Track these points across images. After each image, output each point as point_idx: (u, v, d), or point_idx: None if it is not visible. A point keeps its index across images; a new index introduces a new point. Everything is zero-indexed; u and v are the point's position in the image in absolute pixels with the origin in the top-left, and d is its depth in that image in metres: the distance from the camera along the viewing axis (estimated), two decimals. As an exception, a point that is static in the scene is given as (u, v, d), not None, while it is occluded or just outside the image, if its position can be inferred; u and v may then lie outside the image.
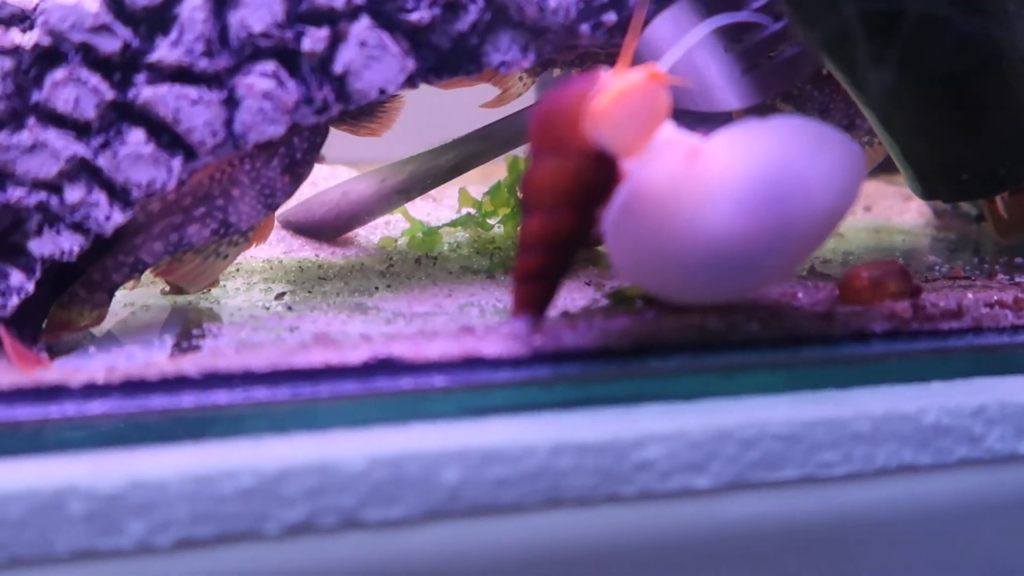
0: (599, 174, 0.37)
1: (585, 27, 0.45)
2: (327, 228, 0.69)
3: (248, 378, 0.35)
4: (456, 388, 0.36)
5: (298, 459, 0.32)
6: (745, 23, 0.47)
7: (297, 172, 0.50)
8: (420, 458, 0.33)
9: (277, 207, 0.50)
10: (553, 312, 0.47)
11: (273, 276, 0.63)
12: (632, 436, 0.34)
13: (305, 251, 0.71)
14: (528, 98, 0.79)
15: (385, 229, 0.77)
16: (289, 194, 0.51)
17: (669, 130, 0.37)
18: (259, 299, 0.57)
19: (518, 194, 0.68)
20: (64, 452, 0.32)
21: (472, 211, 0.68)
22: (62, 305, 0.47)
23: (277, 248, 0.67)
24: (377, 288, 0.59)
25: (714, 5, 0.46)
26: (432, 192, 0.69)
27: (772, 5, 0.45)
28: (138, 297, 0.55)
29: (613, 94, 0.36)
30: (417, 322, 0.49)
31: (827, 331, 0.39)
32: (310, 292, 0.59)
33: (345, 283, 0.61)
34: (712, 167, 0.36)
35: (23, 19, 0.41)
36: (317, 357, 0.36)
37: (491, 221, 0.67)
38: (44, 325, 0.45)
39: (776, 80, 0.47)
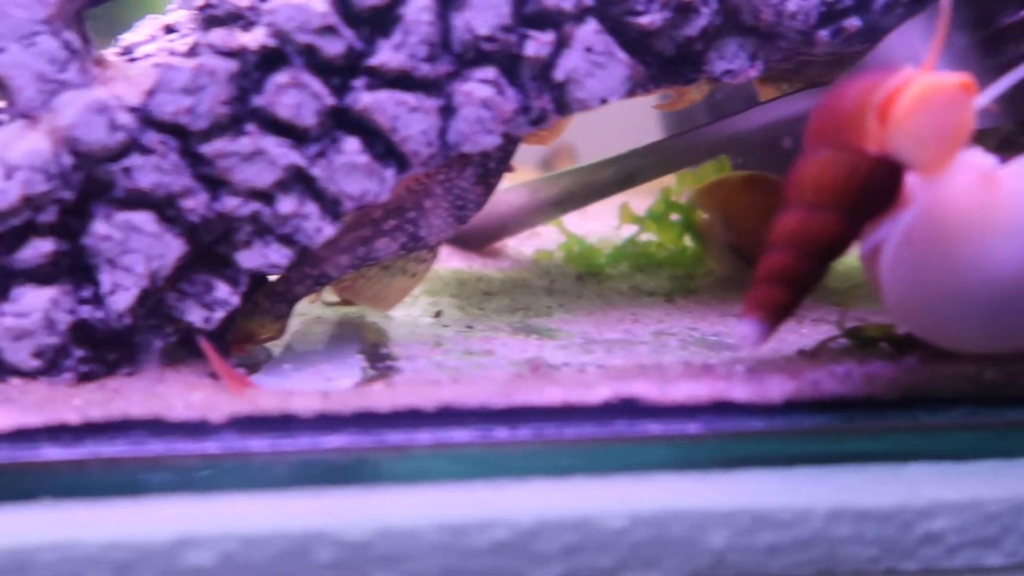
0: (877, 178, 0.32)
1: (824, 33, 0.41)
2: (474, 237, 0.67)
3: (485, 415, 0.32)
4: (708, 435, 0.33)
5: (553, 512, 0.29)
6: (1001, 38, 0.42)
7: (490, 182, 0.47)
8: (684, 517, 0.29)
9: (467, 220, 0.48)
10: (787, 348, 0.43)
11: (433, 288, 0.60)
12: (920, 504, 0.30)
13: (455, 261, 0.68)
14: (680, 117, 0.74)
15: (536, 241, 0.75)
16: (480, 206, 0.48)
17: (968, 151, 0.33)
18: (427, 312, 0.55)
19: (696, 224, 0.64)
20: (304, 489, 0.30)
21: (634, 228, 0.65)
22: (245, 315, 0.45)
23: (427, 257, 0.65)
24: (550, 307, 0.56)
25: (960, 19, 0.42)
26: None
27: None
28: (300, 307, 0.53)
29: (919, 95, 0.32)
30: (617, 351, 0.46)
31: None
32: (480, 309, 0.56)
33: (512, 299, 0.59)
34: (1012, 196, 0.32)
35: (238, 18, 0.39)
36: (554, 394, 0.33)
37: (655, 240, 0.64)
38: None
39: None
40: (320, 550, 0.28)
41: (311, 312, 0.52)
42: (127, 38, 0.43)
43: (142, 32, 0.43)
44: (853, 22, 0.41)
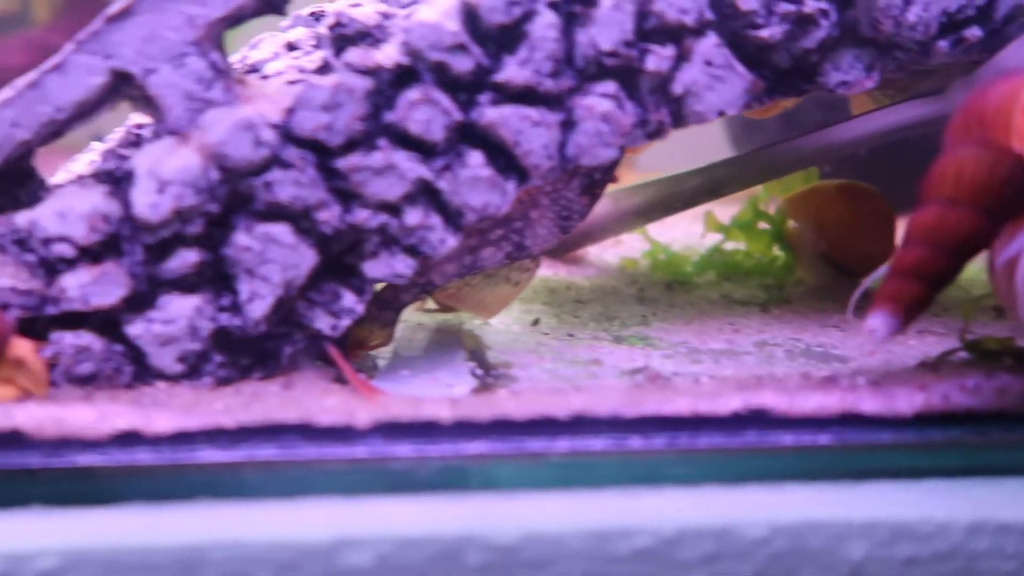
0: (1017, 177, 0.33)
1: (944, 44, 0.41)
2: (558, 244, 0.68)
3: (618, 424, 0.33)
4: (839, 447, 0.33)
5: (693, 520, 0.30)
6: None
7: (595, 193, 0.48)
8: (823, 528, 0.30)
9: (570, 230, 0.49)
10: (898, 360, 0.43)
11: (524, 296, 0.61)
12: (1060, 518, 0.30)
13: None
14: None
15: (617, 248, 0.75)
16: (584, 216, 0.48)
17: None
18: (521, 320, 0.56)
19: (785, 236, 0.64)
20: (450, 494, 0.31)
21: (718, 237, 0.65)
22: (356, 322, 0.47)
23: (512, 264, 0.66)
24: (644, 316, 0.57)
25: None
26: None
27: None
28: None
29: None
30: (725, 362, 0.46)
31: None
32: (576, 317, 0.57)
33: (604, 308, 0.59)
34: None
35: (366, 36, 0.40)
36: (683, 404, 0.33)
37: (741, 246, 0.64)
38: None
39: None
40: (471, 553, 0.29)
41: (411, 319, 0.54)
42: (252, 56, 0.45)
43: (265, 50, 0.45)
44: (974, 32, 0.41)
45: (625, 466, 0.32)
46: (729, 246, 0.66)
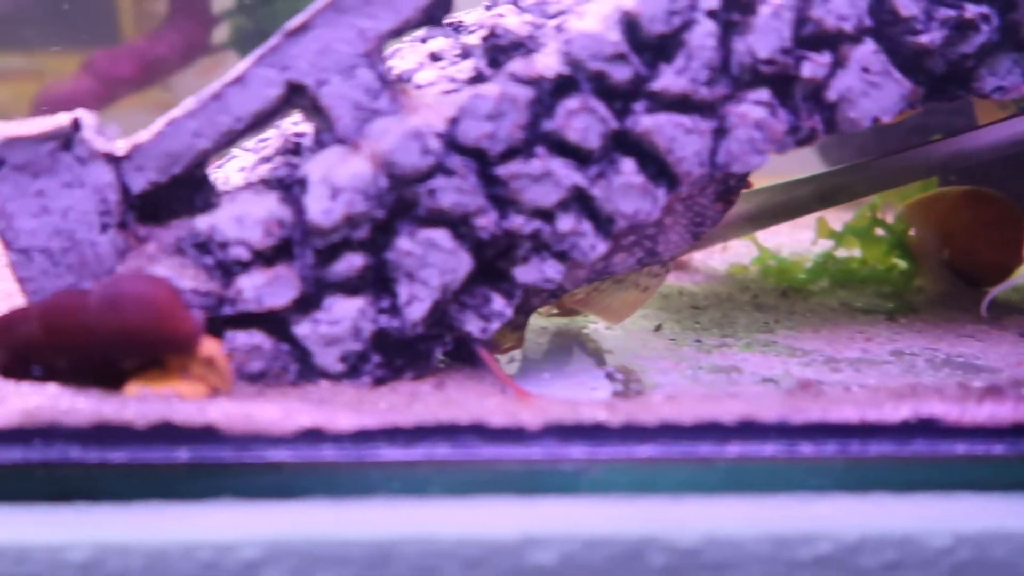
0: None
1: (1108, 47, 0.40)
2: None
3: (786, 430, 0.33)
4: (1013, 457, 0.33)
5: (875, 528, 0.30)
6: None
7: (729, 199, 0.48)
8: (1007, 539, 0.30)
9: (701, 236, 0.49)
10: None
11: (638, 301, 0.62)
12: None
13: (646, 274, 0.69)
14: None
15: (724, 254, 0.75)
16: (716, 222, 0.49)
17: None
18: (638, 325, 0.56)
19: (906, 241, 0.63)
20: (625, 496, 0.31)
21: (828, 243, 0.64)
22: (490, 326, 0.48)
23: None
24: (767, 323, 0.57)
25: None
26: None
27: None
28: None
29: None
30: (867, 371, 0.46)
31: None
32: (697, 323, 0.57)
33: (722, 314, 0.59)
34: None
35: (519, 46, 0.41)
36: (850, 412, 0.33)
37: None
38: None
39: None
40: (653, 555, 0.29)
41: (532, 323, 0.54)
42: (398, 65, 0.46)
43: (410, 60, 0.46)
44: None
45: (796, 472, 0.32)
46: (840, 253, 0.65)
